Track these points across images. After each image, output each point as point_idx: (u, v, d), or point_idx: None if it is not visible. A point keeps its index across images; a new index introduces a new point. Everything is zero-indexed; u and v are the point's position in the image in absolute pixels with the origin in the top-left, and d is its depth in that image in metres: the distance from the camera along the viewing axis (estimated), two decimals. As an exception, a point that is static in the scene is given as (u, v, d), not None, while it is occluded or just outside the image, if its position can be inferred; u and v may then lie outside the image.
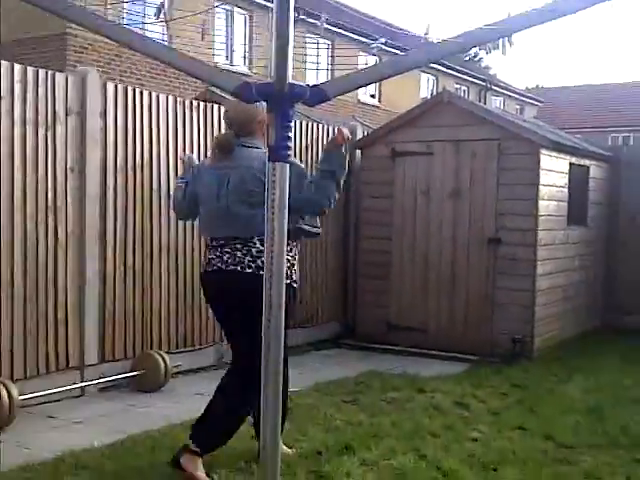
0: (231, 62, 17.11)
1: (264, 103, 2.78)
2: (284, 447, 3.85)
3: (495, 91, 28.02)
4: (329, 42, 19.48)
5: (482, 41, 2.99)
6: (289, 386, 4.10)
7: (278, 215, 2.66)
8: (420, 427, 4.61)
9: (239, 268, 3.69)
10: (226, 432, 3.78)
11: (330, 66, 18.59)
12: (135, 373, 5.50)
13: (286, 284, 2.99)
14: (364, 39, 17.87)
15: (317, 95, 2.72)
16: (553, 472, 3.91)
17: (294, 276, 3.83)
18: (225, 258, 3.74)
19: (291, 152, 2.70)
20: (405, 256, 7.51)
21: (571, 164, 7.63)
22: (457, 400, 5.34)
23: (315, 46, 19.15)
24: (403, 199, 7.55)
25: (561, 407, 5.17)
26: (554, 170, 7.23)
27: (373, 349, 7.32)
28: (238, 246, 3.72)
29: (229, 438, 3.80)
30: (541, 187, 6.95)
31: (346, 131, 3.72)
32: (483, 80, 26.84)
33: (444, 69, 24.22)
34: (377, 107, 21.43)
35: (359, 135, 8.09)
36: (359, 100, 20.89)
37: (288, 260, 3.58)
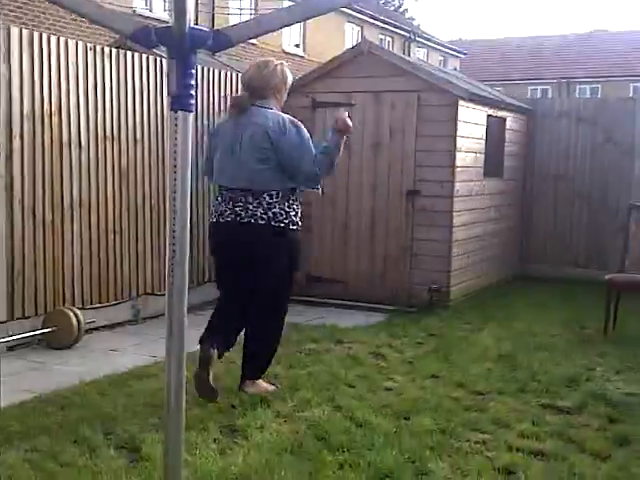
0: (150, 9, 16.54)
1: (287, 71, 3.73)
2: (265, 384, 4.38)
3: (419, 42, 28.05)
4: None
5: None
6: (275, 342, 4.47)
7: (181, 165, 2.56)
8: (336, 378, 4.64)
9: (252, 220, 4.07)
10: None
11: (254, 11, 18.20)
12: (46, 330, 5.35)
13: (293, 229, 4.15)
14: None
15: (220, 40, 2.60)
16: (463, 419, 3.99)
17: (298, 221, 4.27)
18: (238, 210, 4.09)
19: (193, 100, 2.59)
20: (325, 208, 7.49)
21: (488, 116, 7.71)
22: (374, 350, 5.41)
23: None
24: (323, 151, 7.48)
25: (474, 355, 5.29)
26: (471, 122, 7.29)
27: (293, 301, 7.22)
28: (250, 199, 4.08)
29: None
30: (458, 139, 7.00)
31: (346, 119, 4.13)
32: (407, 31, 26.80)
33: (369, 19, 24.06)
34: (302, 57, 21.19)
35: (279, 85, 7.94)
36: (283, 50, 20.60)
37: (293, 210, 4.17)
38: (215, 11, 17.25)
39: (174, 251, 2.62)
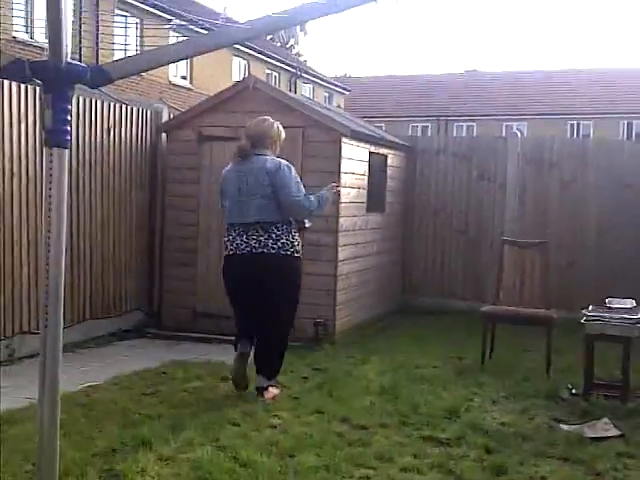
0: (31, 36, 16.05)
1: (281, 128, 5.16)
2: (276, 390, 5.13)
3: (305, 78, 28.55)
4: (138, 20, 18.85)
5: (275, 28, 2.99)
6: (284, 346, 5.24)
7: (56, 201, 2.49)
8: (221, 417, 4.59)
9: (265, 250, 4.83)
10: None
11: (139, 47, 17.99)
12: None
13: (297, 257, 4.99)
14: (171, 17, 17.48)
15: (99, 76, 2.58)
16: (347, 454, 4.03)
17: (299, 250, 5.05)
18: (252, 243, 4.85)
19: (69, 136, 2.54)
20: (212, 243, 7.44)
21: (371, 153, 7.92)
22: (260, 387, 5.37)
23: (123, 25, 18.42)
24: (209, 184, 7.45)
25: (358, 389, 5.37)
26: (355, 158, 7.47)
27: (179, 337, 7.20)
28: (261, 232, 4.86)
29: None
30: (342, 175, 7.15)
31: (339, 190, 5.62)
32: (294, 67, 27.23)
33: (256, 54, 24.29)
34: (189, 89, 21.10)
35: (165, 117, 7.89)
36: (170, 81, 20.45)
37: (295, 240, 4.98)
38: (99, 45, 16.92)
39: (47, 292, 2.55)
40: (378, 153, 8.20)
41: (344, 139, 7.15)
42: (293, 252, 4.98)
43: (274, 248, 4.86)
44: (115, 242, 7.20)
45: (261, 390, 5.08)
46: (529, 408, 5.07)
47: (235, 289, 5.12)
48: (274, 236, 4.88)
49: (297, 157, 7.14)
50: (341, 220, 7.17)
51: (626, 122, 33.22)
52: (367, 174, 7.83)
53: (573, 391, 5.39)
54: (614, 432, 4.56)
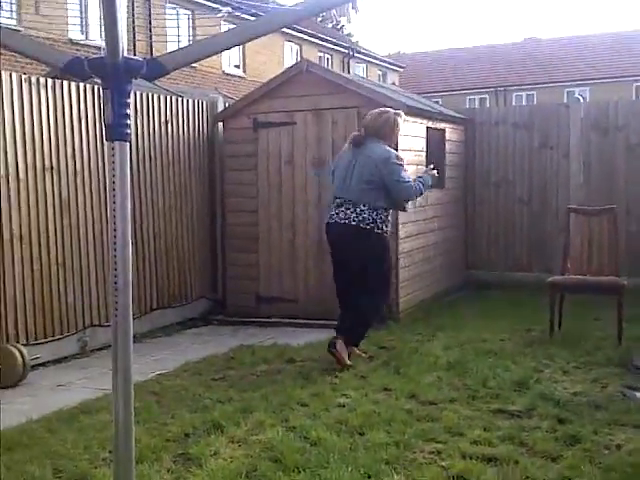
0: (86, 36, 16.39)
1: (398, 114, 5.77)
2: (360, 352, 5.66)
3: (358, 58, 28.36)
4: (189, 12, 19.03)
5: (324, 8, 2.98)
6: (371, 318, 5.74)
7: (120, 194, 2.54)
8: (289, 398, 4.63)
9: (347, 221, 5.50)
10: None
11: (192, 37, 18.18)
12: (-10, 369, 5.22)
13: (377, 232, 5.51)
14: (222, 7, 17.56)
15: (155, 69, 2.61)
16: (417, 430, 4.02)
17: (388, 228, 5.68)
18: (341, 215, 5.54)
19: (129, 130, 2.59)
20: (272, 228, 7.50)
21: (428, 128, 7.83)
22: (326, 367, 5.41)
23: (175, 17, 18.63)
24: (268, 170, 7.52)
25: (424, 365, 5.34)
26: (411, 134, 7.39)
27: (244, 323, 7.30)
28: (349, 207, 5.50)
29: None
30: (400, 152, 7.06)
31: (435, 173, 5.89)
32: (346, 48, 27.07)
33: (307, 37, 24.24)
34: (243, 78, 21.22)
35: (220, 107, 7.96)
36: (224, 71, 20.62)
37: (379, 218, 5.50)
38: (153, 39, 17.16)
39: (115, 282, 2.61)
40: (436, 128, 8.10)
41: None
42: (373, 227, 5.49)
43: (354, 221, 5.48)
44: (177, 232, 7.33)
45: (333, 345, 5.45)
46: (601, 377, 4.96)
47: (332, 254, 5.78)
48: (358, 211, 5.48)
49: (352, 137, 7.13)
50: (400, 198, 7.10)
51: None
52: (425, 150, 7.74)
53: (647, 358, 5.25)
54: (692, 398, 4.43)
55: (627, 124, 8.54)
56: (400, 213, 7.10)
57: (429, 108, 8.37)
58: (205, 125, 7.75)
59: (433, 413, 4.32)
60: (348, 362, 5.40)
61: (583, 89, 31.76)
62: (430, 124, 7.91)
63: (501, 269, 8.92)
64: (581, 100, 9.44)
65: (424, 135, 7.74)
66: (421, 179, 5.69)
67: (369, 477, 3.41)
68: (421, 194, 5.75)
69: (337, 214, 5.57)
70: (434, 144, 8.00)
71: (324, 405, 4.51)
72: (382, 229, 5.56)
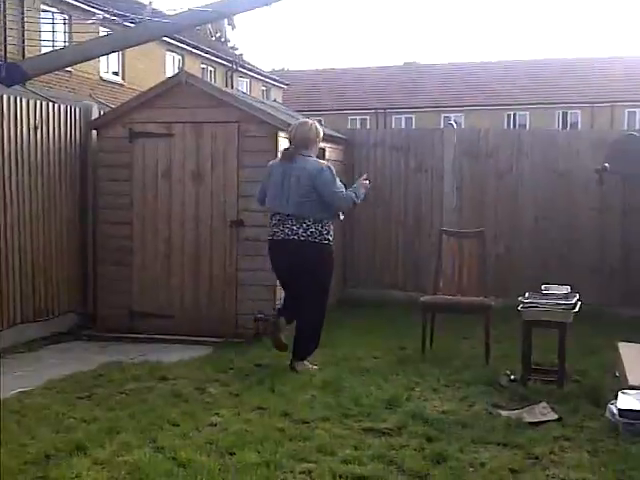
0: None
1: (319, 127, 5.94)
2: (310, 365, 5.80)
3: (242, 72, 28.33)
4: (65, 16, 18.38)
5: (200, 22, 2.92)
6: (323, 323, 5.94)
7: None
8: (159, 417, 4.49)
9: (295, 237, 5.65)
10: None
11: (67, 42, 17.54)
12: None
13: (325, 243, 5.73)
14: (99, 12, 17.10)
15: (14, 73, 2.47)
16: (289, 450, 4.00)
17: (331, 239, 5.82)
18: (287, 231, 5.68)
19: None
20: (147, 241, 7.30)
21: (308, 146, 7.86)
22: (199, 385, 5.29)
23: (50, 21, 17.92)
24: (143, 182, 7.32)
25: (299, 383, 5.32)
26: (292, 152, 7.40)
27: (116, 339, 7.03)
28: (294, 222, 5.67)
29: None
30: (280, 169, 7.07)
31: (367, 183, 5.97)
32: (229, 61, 26.98)
33: (190, 49, 23.99)
34: (121, 85, 20.72)
35: (95, 115, 7.70)
36: (101, 77, 20.04)
37: (325, 230, 5.73)
38: (26, 43, 16.43)
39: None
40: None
41: (280, 133, 7.08)
42: (321, 240, 5.73)
43: (303, 236, 5.66)
44: (45, 243, 7.00)
45: (292, 366, 5.76)
46: (469, 395, 5.11)
47: (275, 270, 5.99)
48: (304, 226, 5.67)
49: (233, 152, 7.08)
50: (279, 214, 7.09)
51: (561, 112, 34.01)
52: (304, 168, 7.76)
53: (512, 377, 5.46)
54: (552, 416, 4.63)
55: (497, 151, 8.93)
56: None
57: (310, 126, 8.41)
58: (78, 132, 7.45)
59: (305, 432, 4.31)
60: (315, 367, 5.77)
61: (459, 115, 33.13)
62: (310, 142, 7.94)
63: (377, 287, 9.07)
64: (455, 125, 9.79)
65: (304, 153, 7.76)
66: (354, 189, 5.86)
67: (238, 499, 3.34)
68: (355, 204, 5.93)
69: (282, 230, 5.72)
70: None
71: (195, 424, 4.41)
72: (328, 240, 5.81)
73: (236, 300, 7.09)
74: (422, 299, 6.48)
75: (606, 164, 8.43)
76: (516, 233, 8.83)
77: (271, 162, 6.04)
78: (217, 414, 4.63)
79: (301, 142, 5.78)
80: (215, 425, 4.43)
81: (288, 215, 5.69)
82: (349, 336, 7.01)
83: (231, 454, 3.92)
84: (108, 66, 20.43)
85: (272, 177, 5.85)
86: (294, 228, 5.67)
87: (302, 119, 6.03)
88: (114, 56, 20.36)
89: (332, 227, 5.87)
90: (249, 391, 5.16)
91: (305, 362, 5.80)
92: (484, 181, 8.96)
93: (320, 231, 5.71)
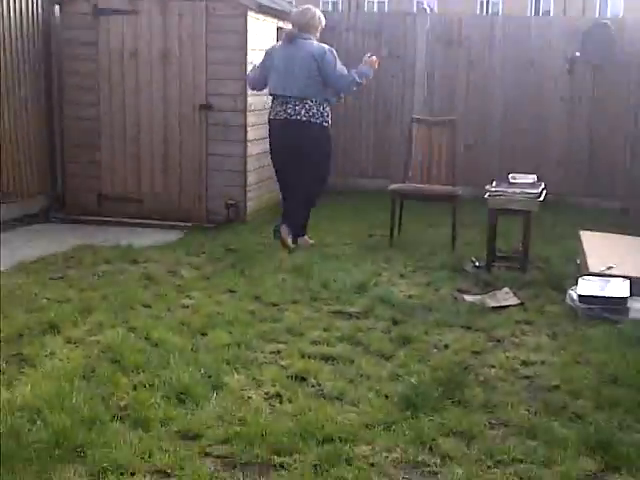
0: None
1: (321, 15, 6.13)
2: (308, 239, 6.20)
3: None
4: None
5: None
6: (316, 201, 6.33)
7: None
8: (131, 299, 4.55)
9: (298, 117, 5.90)
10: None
11: None
12: None
13: (325, 125, 6.02)
14: None
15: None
16: (259, 331, 4.10)
17: (330, 121, 6.09)
18: (289, 112, 5.91)
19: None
20: (115, 123, 7.16)
21: (278, 28, 7.65)
22: (171, 269, 5.36)
23: None
24: (109, 62, 7.09)
25: (270, 268, 5.41)
26: (262, 34, 7.21)
27: (86, 222, 7.01)
28: (297, 103, 5.89)
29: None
30: (249, 51, 6.91)
31: (376, 61, 6.21)
32: None
33: None
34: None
35: (58, -12, 7.35)
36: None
37: (326, 112, 6.02)
38: None
39: None
40: (286, 29, 7.91)
41: (250, 13, 6.86)
42: (322, 121, 5.98)
43: (306, 116, 5.89)
44: (8, 123, 6.81)
45: (277, 231, 6.04)
46: (435, 281, 5.25)
47: (275, 149, 6.13)
48: (307, 107, 5.89)
49: (201, 32, 6.86)
50: (249, 99, 6.98)
51: (534, -1, 33.32)
52: (276, 50, 7.57)
53: (476, 264, 5.60)
54: (514, 301, 4.79)
55: (469, 38, 8.78)
56: (249, 115, 7.02)
57: (280, 7, 8.15)
58: (39, 7, 7.12)
59: (275, 314, 4.42)
60: (292, 245, 5.96)
61: (431, 0, 32.20)
62: (281, 24, 7.73)
63: (347, 175, 9.07)
64: (428, 11, 9.55)
65: (274, 35, 7.57)
66: (357, 70, 6.07)
67: (209, 377, 3.45)
68: (359, 84, 6.13)
69: (285, 110, 5.93)
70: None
71: (167, 306, 4.49)
72: (328, 122, 6.06)
73: (206, 186, 7.06)
74: (391, 187, 6.51)
75: (577, 53, 8.39)
76: (486, 123, 8.82)
77: (271, 47, 6.22)
78: (189, 296, 4.72)
79: (304, 27, 5.98)
80: (187, 307, 4.51)
81: (291, 97, 5.89)
82: (319, 223, 7.03)
83: (202, 334, 4.02)
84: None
85: (275, 61, 5.99)
86: (297, 108, 5.89)
87: (305, 5, 6.21)
88: None
89: (330, 110, 6.09)
90: (220, 274, 5.24)
91: (306, 237, 6.21)
92: (456, 69, 8.85)
93: (321, 112, 5.96)
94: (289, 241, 5.94)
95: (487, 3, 33.56)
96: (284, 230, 5.94)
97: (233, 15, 6.82)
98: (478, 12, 30.95)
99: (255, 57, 7.05)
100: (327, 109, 6.05)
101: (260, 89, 6.46)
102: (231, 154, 6.99)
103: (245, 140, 6.98)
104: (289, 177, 6.09)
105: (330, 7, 32.47)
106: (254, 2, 6.89)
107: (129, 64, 7.06)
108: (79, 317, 4.18)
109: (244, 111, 6.93)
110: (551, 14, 31.50)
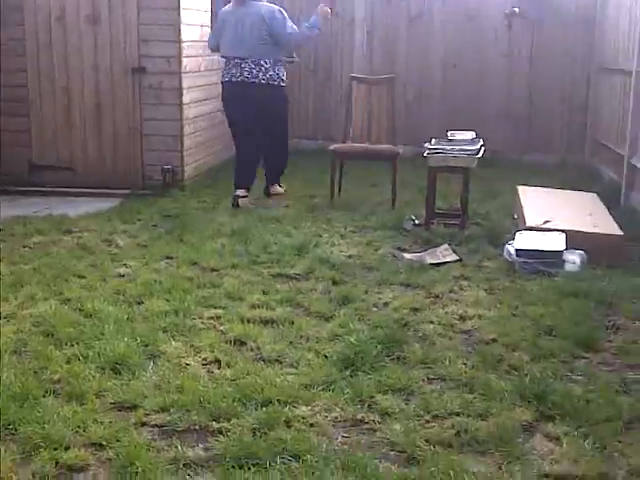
0: None
1: None
2: (279, 187, 6.64)
3: None
4: None
5: None
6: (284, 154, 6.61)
7: None
8: (65, 270, 4.44)
9: (255, 80, 6.07)
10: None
11: None
12: None
13: (282, 86, 6.25)
14: None
15: None
16: (197, 297, 4.04)
17: (284, 80, 6.29)
18: (245, 73, 6.06)
19: None
20: (44, 89, 6.90)
21: (212, -13, 7.46)
22: (106, 237, 5.23)
23: None
24: (36, 26, 6.82)
25: (208, 233, 5.32)
26: (195, -7, 7.02)
27: (16, 192, 6.77)
28: (253, 65, 6.05)
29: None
30: (183, 11, 6.71)
31: (328, 11, 6.44)
32: None
33: None
34: None
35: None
36: None
37: (281, 72, 6.22)
38: None
39: None
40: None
41: (181, -29, 6.66)
42: (279, 82, 6.19)
43: (264, 79, 6.07)
44: None
45: (270, 187, 6.54)
46: (374, 240, 5.25)
47: (234, 111, 6.26)
48: (263, 69, 6.06)
49: (131, -8, 6.64)
50: (184, 61, 6.81)
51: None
52: (210, 10, 7.40)
53: (416, 221, 5.61)
54: (452, 257, 4.82)
55: (409, -6, 8.70)
56: (184, 77, 6.84)
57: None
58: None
59: (214, 280, 4.35)
60: (283, 190, 6.59)
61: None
62: (215, -17, 7.54)
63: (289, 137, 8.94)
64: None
65: (209, -6, 7.38)
66: (310, 23, 6.30)
67: (146, 345, 3.39)
68: (310, 37, 6.47)
69: (240, 73, 6.08)
70: (220, 4, 7.65)
71: (102, 276, 4.38)
72: (284, 81, 6.27)
73: (141, 151, 6.89)
74: (331, 147, 6.47)
75: (515, 8, 8.40)
76: (426, 80, 8.80)
77: (222, 9, 6.38)
78: (125, 265, 4.61)
79: None
80: (123, 276, 4.42)
81: (245, 58, 6.05)
82: (259, 187, 6.98)
83: (139, 303, 3.94)
84: None
85: (225, 24, 6.16)
86: (253, 72, 6.07)
87: None
88: None
89: (284, 69, 6.31)
90: (157, 241, 5.14)
91: (276, 186, 6.59)
92: (396, 27, 8.78)
93: (278, 74, 6.16)
94: (280, 190, 6.55)
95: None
96: (273, 189, 6.53)
97: (164, -26, 6.60)
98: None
99: (190, 17, 6.87)
100: (282, 69, 6.24)
101: (216, 51, 6.60)
102: (166, 118, 6.82)
103: (181, 103, 6.82)
104: (251, 137, 6.26)
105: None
106: (185, -40, 6.68)
107: (57, 28, 6.79)
108: (10, 291, 4.05)
109: (179, 73, 6.76)
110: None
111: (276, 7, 6.21)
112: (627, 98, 6.59)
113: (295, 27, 6.20)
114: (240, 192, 6.19)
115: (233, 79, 6.14)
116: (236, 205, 6.10)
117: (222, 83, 6.29)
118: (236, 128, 6.33)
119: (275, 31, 6.08)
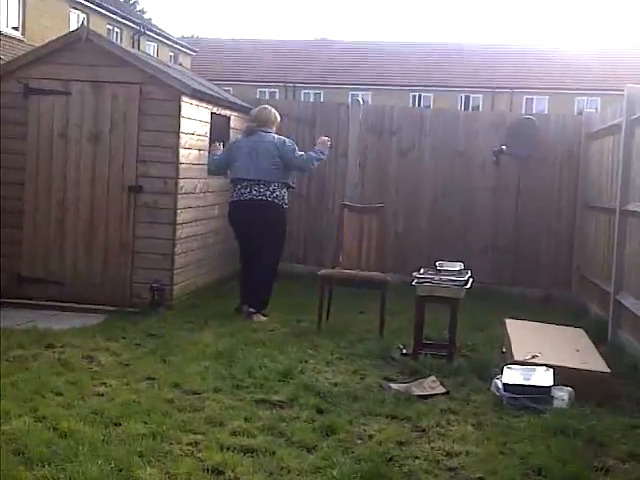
0: None
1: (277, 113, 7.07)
2: (263, 317, 6.62)
3: (150, 37, 27.55)
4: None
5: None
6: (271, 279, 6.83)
7: None
8: (43, 386, 4.32)
9: (263, 198, 6.61)
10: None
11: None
12: None
13: (285, 207, 6.79)
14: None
15: None
16: (176, 421, 3.92)
17: (287, 202, 6.85)
18: (254, 193, 6.63)
19: None
20: (40, 204, 6.99)
21: (212, 113, 7.72)
22: (88, 354, 5.13)
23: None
24: (38, 141, 6.99)
25: (193, 354, 5.24)
26: (195, 118, 7.24)
27: (3, 304, 6.71)
28: (262, 186, 6.63)
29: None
30: (182, 135, 6.91)
31: (327, 143, 7.07)
32: (137, 24, 26.19)
33: (95, 7, 23.11)
34: (21, 41, 19.72)
35: (-15, 69, 7.27)
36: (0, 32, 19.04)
37: (286, 194, 6.82)
38: None
39: None
40: (220, 114, 8.00)
41: (184, 98, 6.89)
42: (282, 203, 6.73)
43: (270, 197, 6.63)
44: None
45: (248, 314, 6.56)
46: (361, 368, 5.17)
47: (239, 225, 6.81)
48: (271, 189, 6.63)
49: (133, 115, 6.85)
50: (181, 182, 6.95)
51: (464, 96, 34.94)
52: (209, 135, 7.62)
53: (404, 351, 5.56)
54: (440, 390, 4.73)
55: (400, 129, 9.02)
56: (179, 198, 6.95)
57: (215, 94, 8.25)
58: (-31, 85, 7.02)
59: (195, 403, 4.24)
60: (264, 318, 6.57)
61: (367, 93, 33.37)
62: (215, 110, 7.80)
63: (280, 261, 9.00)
64: (361, 102, 9.81)
65: (208, 120, 7.62)
66: (315, 152, 6.90)
67: (120, 470, 3.25)
68: (319, 160, 6.95)
69: (250, 192, 6.62)
70: (218, 130, 7.90)
71: (80, 394, 4.27)
72: (287, 203, 6.83)
73: (132, 268, 6.90)
74: (320, 272, 6.50)
75: (503, 146, 8.69)
76: (415, 211, 8.98)
77: (235, 138, 7.17)
78: (105, 384, 4.51)
79: (262, 122, 6.82)
80: (102, 395, 4.30)
81: (257, 180, 6.61)
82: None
83: (116, 424, 3.81)
84: (7, 21, 19.42)
85: (239, 150, 6.78)
86: (261, 190, 6.61)
87: (263, 105, 7.20)
88: (14, 10, 19.40)
89: (288, 194, 6.87)
90: (140, 361, 5.05)
91: (259, 315, 6.60)
92: (387, 158, 9.06)
93: (282, 195, 6.72)
94: (261, 317, 6.56)
95: (419, 98, 34.96)
96: (256, 316, 6.55)
97: (166, 99, 6.84)
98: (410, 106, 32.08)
99: (189, 141, 7.07)
100: (286, 192, 6.78)
101: (219, 174, 7.38)
102: (159, 236, 6.87)
103: (175, 223, 6.90)
104: (251, 255, 6.71)
105: (267, 96, 33.23)
106: (188, 88, 6.95)
107: (58, 144, 6.96)
108: (-16, 406, 3.92)
109: (175, 194, 6.88)
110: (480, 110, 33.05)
111: (284, 137, 6.87)
112: (612, 235, 6.71)
113: (302, 153, 6.81)
114: (250, 312, 6.60)
115: (242, 198, 6.66)
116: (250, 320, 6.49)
117: (231, 203, 6.80)
118: (243, 245, 6.86)
119: (287, 156, 6.67)
